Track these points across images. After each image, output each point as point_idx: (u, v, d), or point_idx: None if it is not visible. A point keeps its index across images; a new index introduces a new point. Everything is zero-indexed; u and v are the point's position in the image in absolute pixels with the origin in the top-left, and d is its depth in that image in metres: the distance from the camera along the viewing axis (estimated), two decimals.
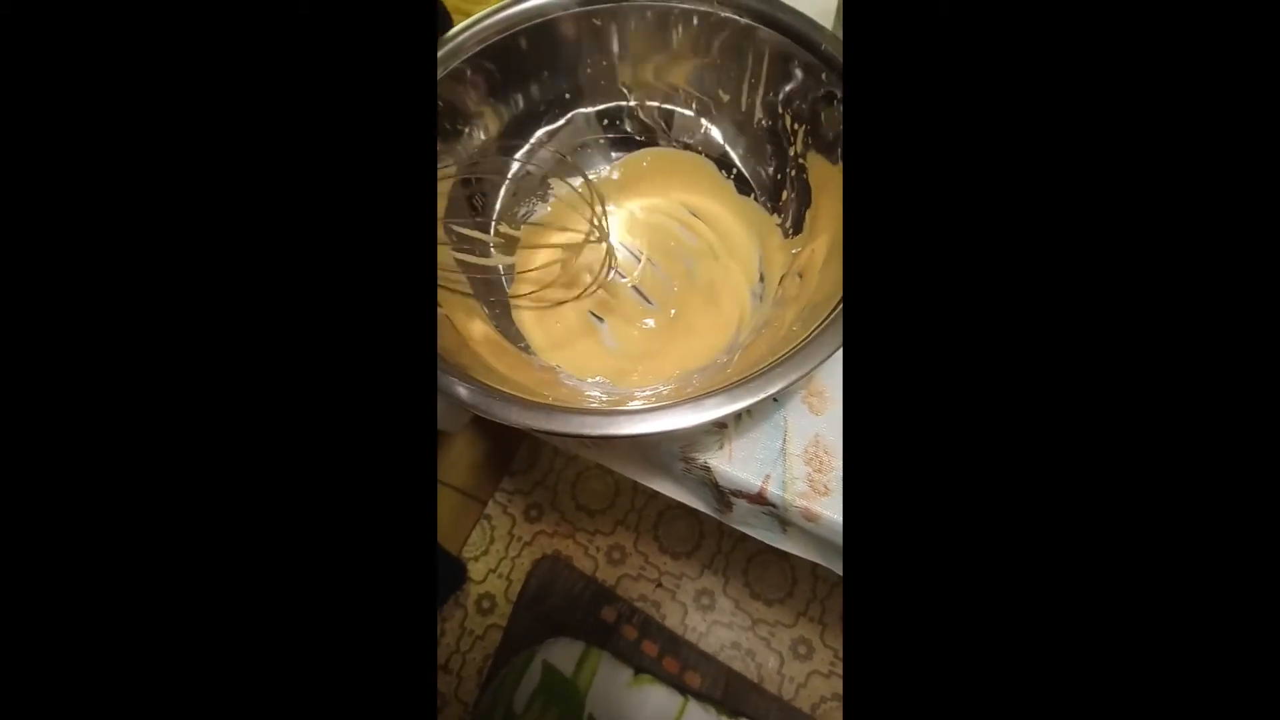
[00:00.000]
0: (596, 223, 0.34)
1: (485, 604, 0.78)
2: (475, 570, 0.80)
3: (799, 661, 0.76)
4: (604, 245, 0.35)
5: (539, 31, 0.34)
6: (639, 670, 0.53)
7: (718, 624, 0.77)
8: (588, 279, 0.37)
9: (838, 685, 0.75)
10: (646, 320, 0.38)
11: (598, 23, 0.34)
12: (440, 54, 0.32)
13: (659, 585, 0.79)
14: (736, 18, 0.32)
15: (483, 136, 0.35)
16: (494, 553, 0.81)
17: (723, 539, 0.81)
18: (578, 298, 0.36)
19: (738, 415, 0.34)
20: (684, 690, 0.53)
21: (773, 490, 0.32)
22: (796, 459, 0.33)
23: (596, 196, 0.34)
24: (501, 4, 0.33)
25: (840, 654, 0.76)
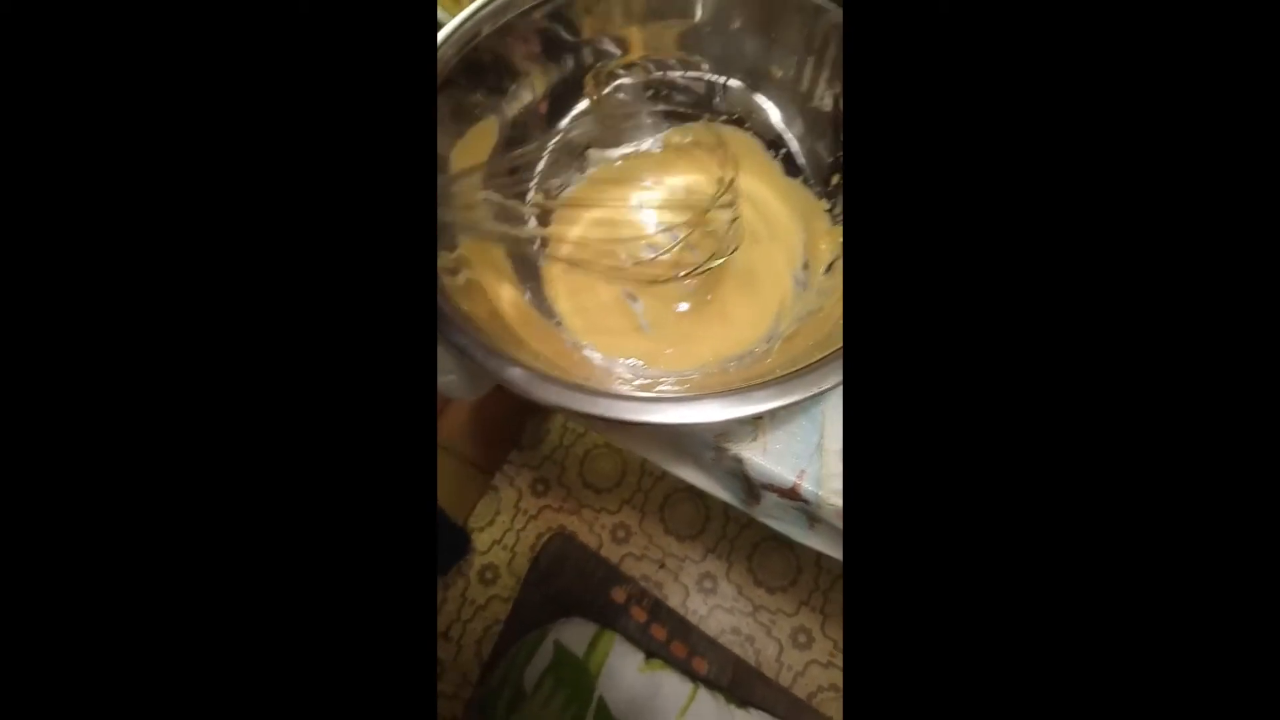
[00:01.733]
0: (726, 185, 0.32)
1: (488, 575, 0.78)
2: (480, 540, 0.80)
3: (798, 650, 0.76)
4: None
5: None
6: (649, 654, 0.53)
7: (719, 608, 0.77)
8: (623, 257, 0.36)
9: (835, 676, 0.75)
10: (681, 304, 0.36)
11: None
12: (491, 7, 0.30)
13: (662, 566, 0.79)
14: None
15: (529, 97, 0.33)
16: (499, 524, 0.81)
17: (728, 524, 0.81)
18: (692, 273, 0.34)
19: None
20: (694, 677, 0.53)
21: (807, 486, 0.31)
22: (833, 456, 0.32)
23: (731, 162, 0.32)
24: None
25: (840, 645, 0.76)
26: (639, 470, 0.84)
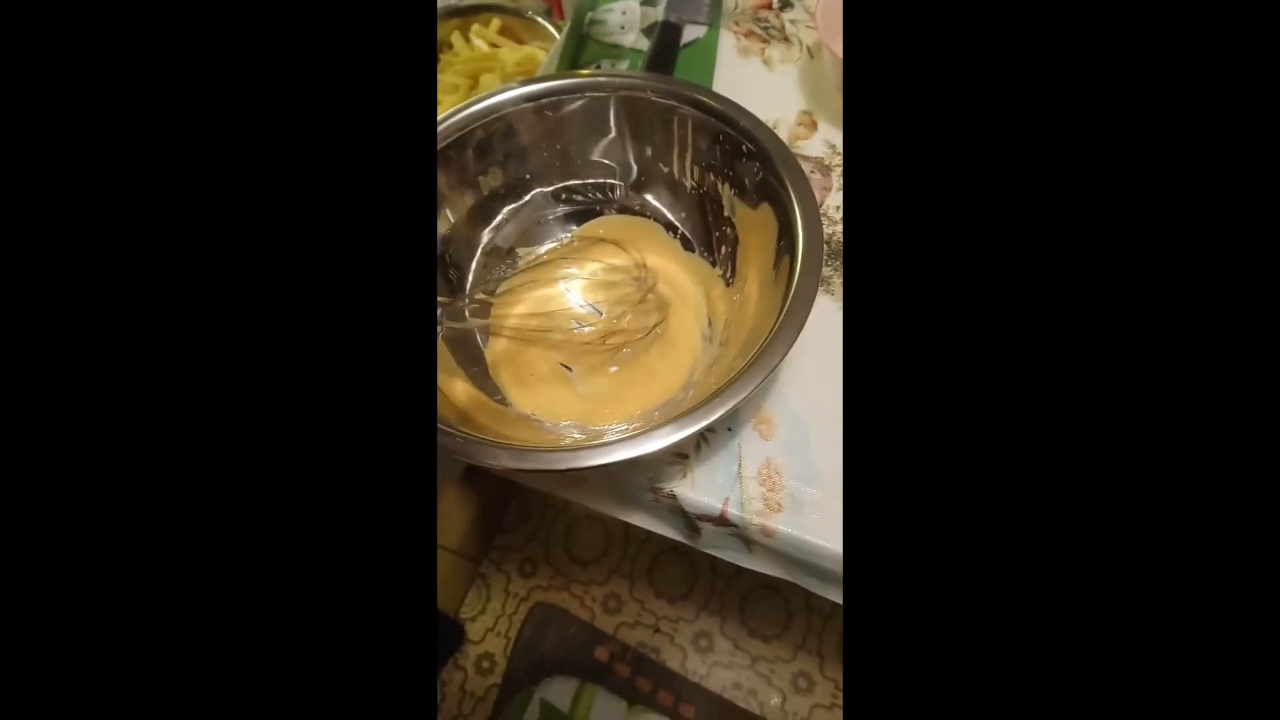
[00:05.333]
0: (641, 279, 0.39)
1: (485, 664, 0.79)
2: (473, 630, 0.81)
3: (801, 696, 0.77)
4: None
5: (496, 124, 0.39)
6: (634, 703, 0.54)
7: (718, 665, 0.78)
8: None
9: (840, 717, 0.75)
10: (611, 367, 0.42)
11: (549, 113, 0.40)
12: None
13: (657, 630, 0.80)
14: (659, 99, 0.38)
15: (452, 219, 0.40)
16: (491, 611, 0.82)
17: (716, 579, 0.83)
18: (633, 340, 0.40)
19: (697, 445, 0.38)
20: None
21: (733, 511, 0.36)
22: (751, 481, 0.36)
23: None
24: (461, 104, 0.39)
25: (840, 684, 0.77)
26: (623, 538, 0.86)
